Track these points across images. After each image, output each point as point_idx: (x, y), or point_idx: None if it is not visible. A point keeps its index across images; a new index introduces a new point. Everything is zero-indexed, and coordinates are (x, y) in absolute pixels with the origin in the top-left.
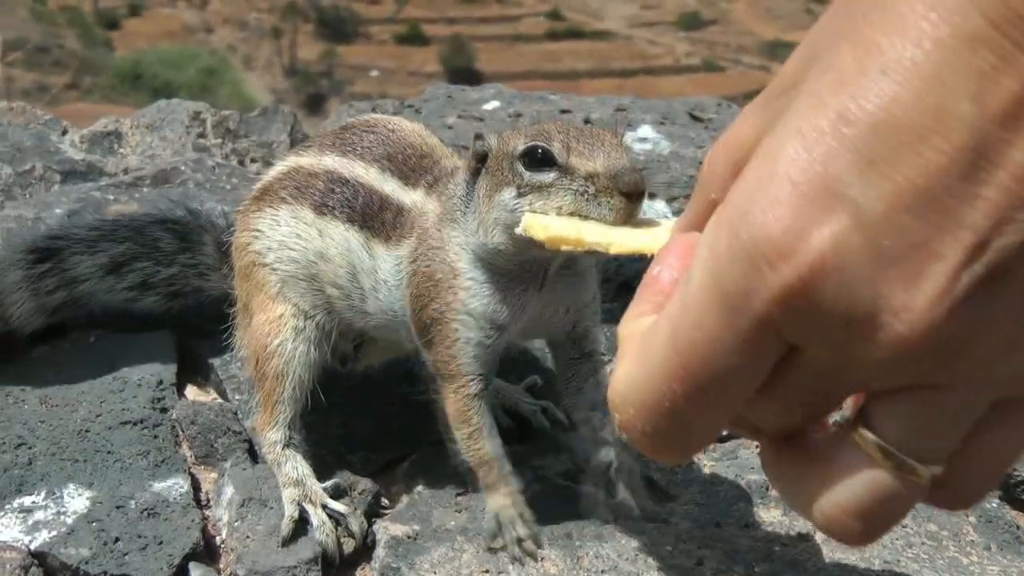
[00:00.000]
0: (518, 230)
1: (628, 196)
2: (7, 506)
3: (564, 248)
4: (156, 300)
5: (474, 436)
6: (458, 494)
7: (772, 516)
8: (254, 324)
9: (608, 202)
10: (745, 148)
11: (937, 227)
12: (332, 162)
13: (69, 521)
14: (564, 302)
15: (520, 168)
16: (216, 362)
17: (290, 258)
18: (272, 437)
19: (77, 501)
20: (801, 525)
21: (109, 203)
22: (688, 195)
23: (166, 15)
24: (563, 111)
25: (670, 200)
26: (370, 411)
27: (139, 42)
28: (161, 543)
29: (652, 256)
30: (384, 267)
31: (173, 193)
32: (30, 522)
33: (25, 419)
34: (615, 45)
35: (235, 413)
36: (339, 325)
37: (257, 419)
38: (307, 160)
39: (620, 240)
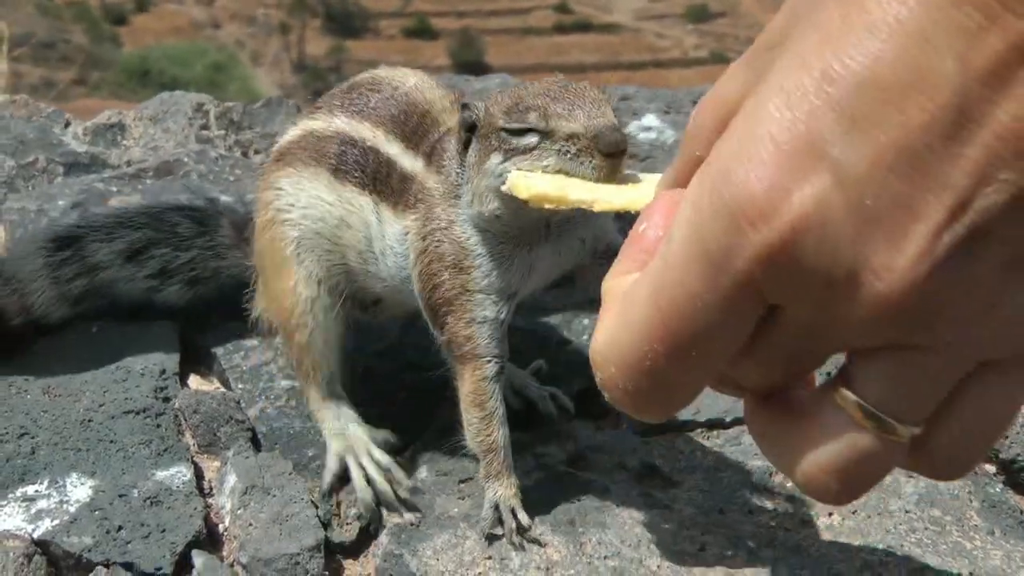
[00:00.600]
0: (503, 188)
1: (609, 155)
2: (10, 495)
3: (548, 206)
4: (178, 289)
5: (486, 421)
6: (461, 481)
7: (775, 502)
8: (270, 289)
9: (590, 162)
10: (731, 104)
11: (919, 186)
12: (342, 124)
13: (72, 510)
14: (579, 234)
15: (504, 136)
16: (219, 351)
17: (314, 217)
18: (315, 395)
19: (80, 490)
20: (804, 511)
21: (112, 195)
22: None
23: (173, 11)
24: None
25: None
26: (372, 400)
27: (146, 38)
28: (164, 531)
29: (637, 213)
30: (390, 232)
31: (180, 185)
32: (33, 511)
33: (28, 409)
34: (623, 38)
35: (238, 402)
36: (354, 288)
37: (301, 386)
38: (319, 124)
39: (605, 197)
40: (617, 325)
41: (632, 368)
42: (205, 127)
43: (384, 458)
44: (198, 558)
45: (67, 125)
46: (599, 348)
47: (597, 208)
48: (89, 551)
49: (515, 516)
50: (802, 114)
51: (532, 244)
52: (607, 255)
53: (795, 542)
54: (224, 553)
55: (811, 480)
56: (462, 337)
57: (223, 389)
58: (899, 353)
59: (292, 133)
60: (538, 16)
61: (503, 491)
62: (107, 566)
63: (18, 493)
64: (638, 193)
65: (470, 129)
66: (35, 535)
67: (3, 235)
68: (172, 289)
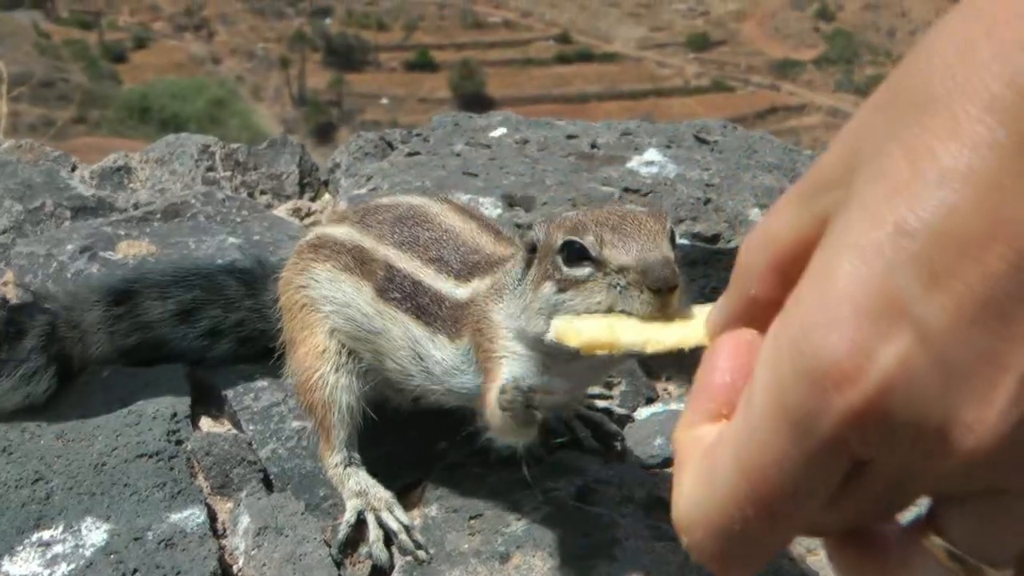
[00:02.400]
0: (549, 337)
1: (657, 292)
2: (26, 540)
3: (600, 352)
4: (228, 347)
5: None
6: (471, 518)
7: None
8: (298, 355)
9: (639, 296)
10: (782, 243)
11: (1003, 337)
12: (392, 254)
13: (87, 554)
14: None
15: (560, 262)
16: (230, 394)
17: (348, 318)
18: (332, 460)
19: (95, 534)
20: (808, 541)
21: (120, 238)
22: (695, 217)
23: (172, 47)
24: (569, 136)
25: (678, 223)
26: (383, 438)
27: (146, 74)
28: (179, 573)
29: (688, 350)
30: (453, 356)
31: (189, 227)
32: (48, 556)
33: (41, 454)
34: (625, 67)
35: (250, 443)
36: (394, 385)
37: (319, 446)
38: (368, 243)
39: (656, 337)
40: (701, 490)
41: (721, 533)
42: (211, 168)
43: (405, 518)
44: None
45: (73, 169)
46: (684, 511)
47: (649, 350)
48: None
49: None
50: (879, 270)
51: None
52: None
53: (800, 572)
54: None
55: None
56: (490, 381)
57: (235, 431)
58: (988, 497)
59: (335, 231)
60: (538, 47)
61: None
62: None
63: (34, 538)
64: (689, 330)
65: (532, 250)
66: None
67: (12, 279)
68: (223, 347)
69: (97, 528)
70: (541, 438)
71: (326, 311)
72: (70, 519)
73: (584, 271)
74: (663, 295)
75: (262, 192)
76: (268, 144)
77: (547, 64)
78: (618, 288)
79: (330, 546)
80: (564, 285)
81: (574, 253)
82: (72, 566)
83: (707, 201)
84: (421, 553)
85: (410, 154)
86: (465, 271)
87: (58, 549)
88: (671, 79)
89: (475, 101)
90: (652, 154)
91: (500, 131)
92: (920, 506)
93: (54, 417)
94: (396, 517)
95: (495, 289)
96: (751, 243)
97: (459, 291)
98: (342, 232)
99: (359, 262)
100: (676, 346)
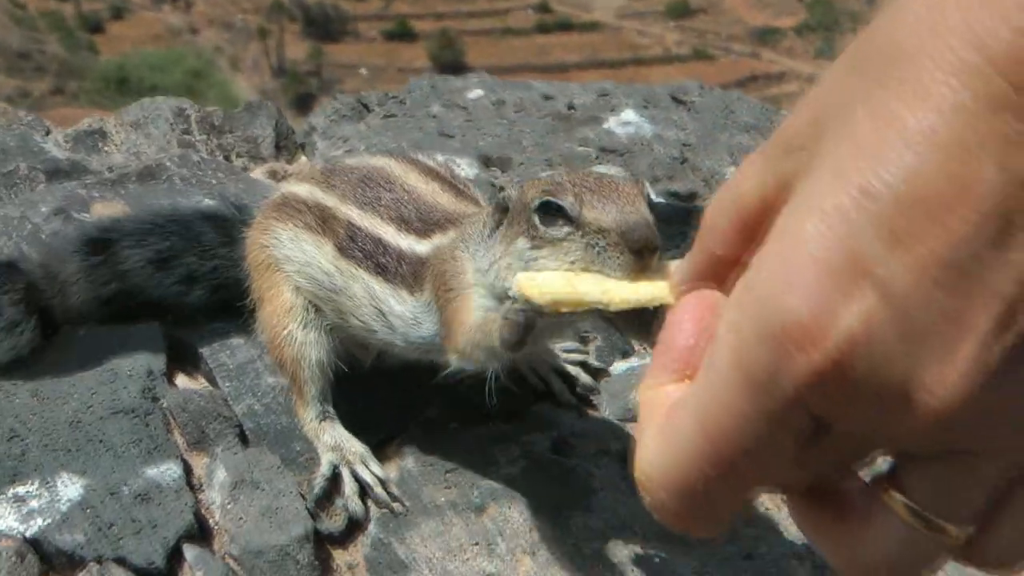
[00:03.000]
0: (511, 292)
1: (638, 253)
2: (1, 496)
3: (564, 310)
4: (202, 294)
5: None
6: (447, 471)
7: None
8: (265, 313)
9: (617, 258)
10: (748, 202)
11: (966, 297)
12: (354, 214)
13: (63, 508)
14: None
15: (536, 221)
16: (205, 351)
17: (310, 277)
18: (307, 415)
19: (70, 489)
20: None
21: (95, 200)
22: (671, 176)
23: (150, 18)
24: (546, 97)
25: (654, 182)
26: (358, 393)
27: (123, 45)
28: (155, 526)
29: (653, 308)
30: (415, 309)
31: (164, 190)
32: (24, 510)
33: (17, 412)
34: (604, 36)
35: (225, 399)
36: (358, 341)
37: (293, 402)
38: (330, 201)
39: (619, 295)
40: (663, 451)
41: (683, 492)
42: (187, 132)
43: (380, 471)
44: (190, 552)
45: (47, 133)
46: (647, 472)
47: (613, 308)
48: (81, 548)
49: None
50: (842, 232)
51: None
52: None
53: (775, 520)
54: (215, 546)
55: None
56: (465, 326)
57: (210, 387)
58: (950, 458)
59: (299, 189)
60: (518, 16)
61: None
62: (100, 562)
63: (9, 493)
64: (652, 289)
65: (504, 211)
66: (27, 534)
67: None
68: (197, 294)
69: (73, 483)
70: (519, 391)
71: (288, 271)
72: (45, 474)
73: (562, 231)
74: (643, 257)
75: (238, 155)
76: (244, 108)
77: (527, 33)
78: (596, 249)
79: (306, 499)
80: (539, 243)
81: (552, 213)
82: (48, 520)
83: (684, 160)
84: (397, 506)
85: (386, 116)
86: (425, 228)
87: (34, 504)
88: (651, 48)
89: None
90: (629, 115)
91: (476, 93)
92: (883, 462)
93: (29, 375)
94: (371, 470)
95: (461, 240)
96: (717, 202)
97: (419, 247)
98: (305, 191)
99: (321, 220)
100: (640, 304)
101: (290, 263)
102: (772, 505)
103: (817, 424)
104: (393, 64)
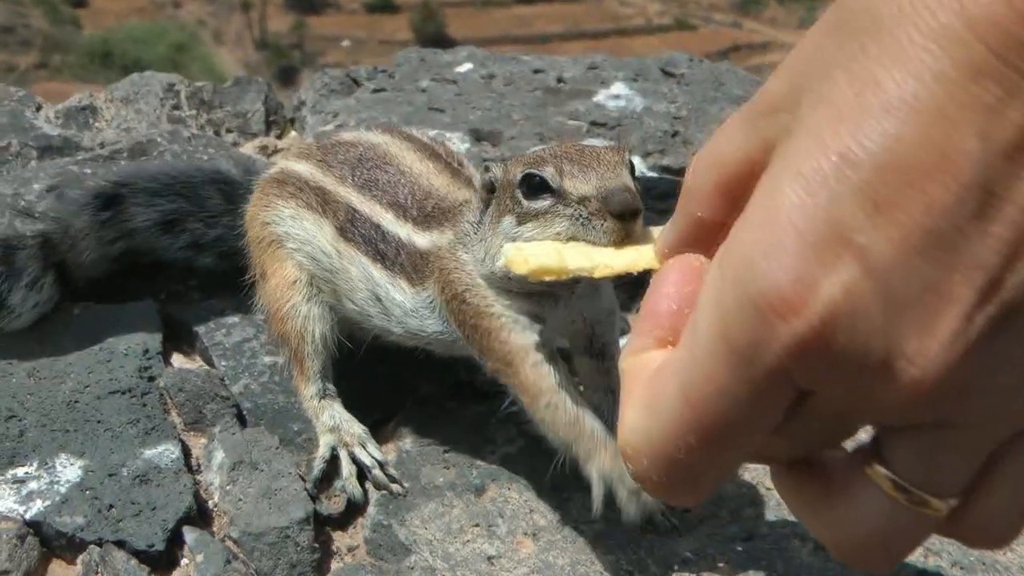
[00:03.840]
0: (499, 263)
1: (620, 217)
2: (0, 477)
3: (548, 278)
4: (209, 261)
5: (553, 404)
6: (445, 451)
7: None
8: (268, 287)
9: (601, 225)
10: (730, 165)
11: (948, 268)
12: (353, 198)
13: (62, 490)
14: (581, 313)
15: (519, 196)
16: (201, 330)
17: (310, 256)
18: (308, 392)
19: (69, 470)
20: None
21: (88, 177)
22: (662, 150)
23: None
24: (536, 71)
25: (645, 156)
26: (355, 372)
27: (107, 19)
28: (155, 508)
29: (638, 274)
30: (414, 302)
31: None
32: (24, 492)
33: (14, 392)
34: (586, 7)
35: (222, 379)
36: (354, 323)
37: (293, 378)
38: (329, 183)
39: (604, 261)
40: (647, 419)
41: (666, 461)
42: (177, 107)
43: (378, 454)
44: (190, 534)
45: (39, 109)
46: (630, 442)
47: (597, 274)
48: (81, 530)
49: (624, 484)
50: (823, 200)
51: (543, 304)
52: (608, 372)
53: (776, 501)
54: (215, 528)
55: (845, 550)
56: (500, 347)
57: (207, 367)
58: (931, 429)
59: (298, 167)
60: None
61: (608, 463)
62: (100, 544)
63: (8, 475)
64: (637, 255)
65: (490, 190)
66: (27, 516)
67: None
68: (205, 260)
69: (71, 464)
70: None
71: (290, 248)
72: (44, 456)
73: (544, 203)
74: (626, 221)
75: (228, 130)
76: (234, 83)
77: (508, 5)
78: (580, 219)
79: (305, 480)
80: (524, 218)
81: (534, 185)
82: (47, 502)
83: (674, 134)
84: (396, 487)
85: (376, 90)
86: (422, 218)
87: (33, 485)
88: (633, 18)
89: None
90: (619, 88)
91: (466, 67)
92: (866, 436)
93: (25, 355)
94: (369, 452)
95: (459, 239)
96: (698, 164)
97: (419, 239)
98: (304, 170)
99: (321, 201)
100: (625, 270)
101: (292, 240)
102: (772, 486)
103: (799, 394)
104: (375, 36)
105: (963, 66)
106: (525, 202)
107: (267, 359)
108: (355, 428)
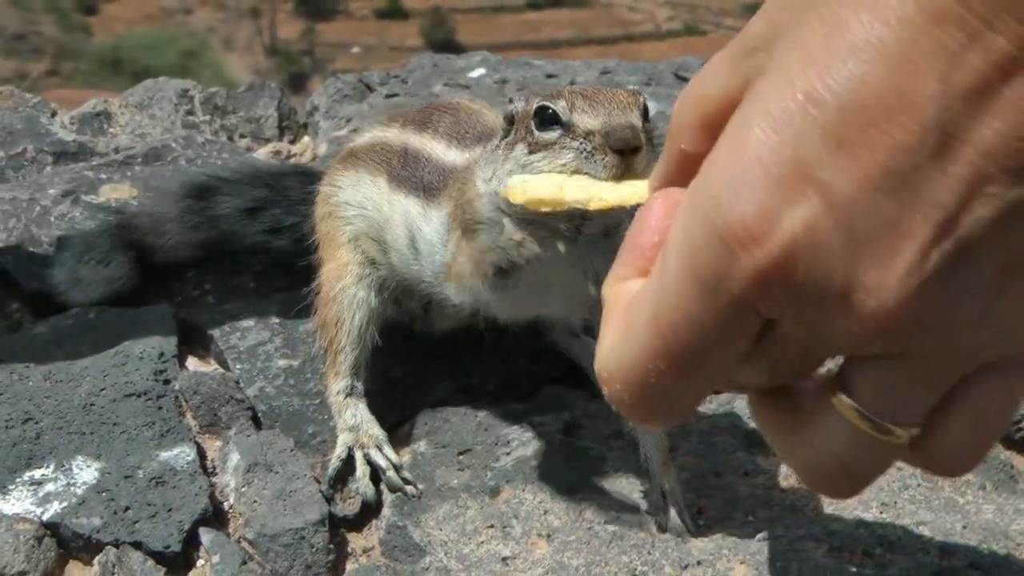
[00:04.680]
0: (499, 191)
1: (620, 153)
2: (18, 479)
3: (544, 209)
4: (285, 243)
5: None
6: (460, 453)
7: (770, 464)
8: (323, 272)
9: (602, 159)
10: (712, 101)
11: (907, 205)
12: (410, 138)
13: (79, 492)
14: (594, 271)
15: (532, 126)
16: (216, 333)
17: (363, 217)
18: (335, 387)
19: (86, 472)
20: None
21: (102, 182)
22: None
23: None
24: (549, 76)
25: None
26: (371, 376)
27: (117, 26)
28: (170, 510)
29: (632, 208)
30: (434, 228)
31: (171, 170)
32: (41, 494)
33: (30, 395)
34: (596, 12)
35: (237, 382)
36: (403, 284)
37: (325, 371)
38: (391, 134)
39: (600, 195)
40: (620, 344)
41: (637, 385)
42: (191, 113)
43: (393, 456)
44: (206, 536)
45: (54, 115)
46: (604, 365)
47: (592, 207)
48: (98, 532)
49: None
50: (788, 137)
51: (555, 237)
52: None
53: (790, 502)
54: (230, 530)
55: (812, 476)
56: (462, 236)
57: (221, 370)
58: (893, 361)
59: (365, 137)
60: None
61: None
62: (116, 546)
63: (25, 477)
64: (632, 189)
65: (511, 122)
66: (44, 518)
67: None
68: (280, 243)
69: (88, 467)
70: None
71: (347, 215)
72: (61, 458)
73: (553, 134)
74: (625, 156)
75: (241, 135)
76: (247, 88)
77: (518, 10)
78: (584, 152)
79: (320, 482)
80: (534, 148)
81: (546, 117)
82: (64, 504)
83: None
84: (410, 488)
85: (389, 96)
86: (469, 141)
87: (50, 487)
88: (642, 24)
89: (447, 48)
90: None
91: (478, 72)
92: (833, 366)
93: (42, 358)
94: (385, 455)
95: (476, 161)
96: (683, 99)
97: (458, 159)
98: (368, 136)
99: (381, 157)
100: (619, 203)
101: (348, 208)
102: (788, 486)
103: (767, 323)
104: (385, 42)
105: (927, 11)
106: (536, 132)
107: (282, 362)
108: (374, 430)
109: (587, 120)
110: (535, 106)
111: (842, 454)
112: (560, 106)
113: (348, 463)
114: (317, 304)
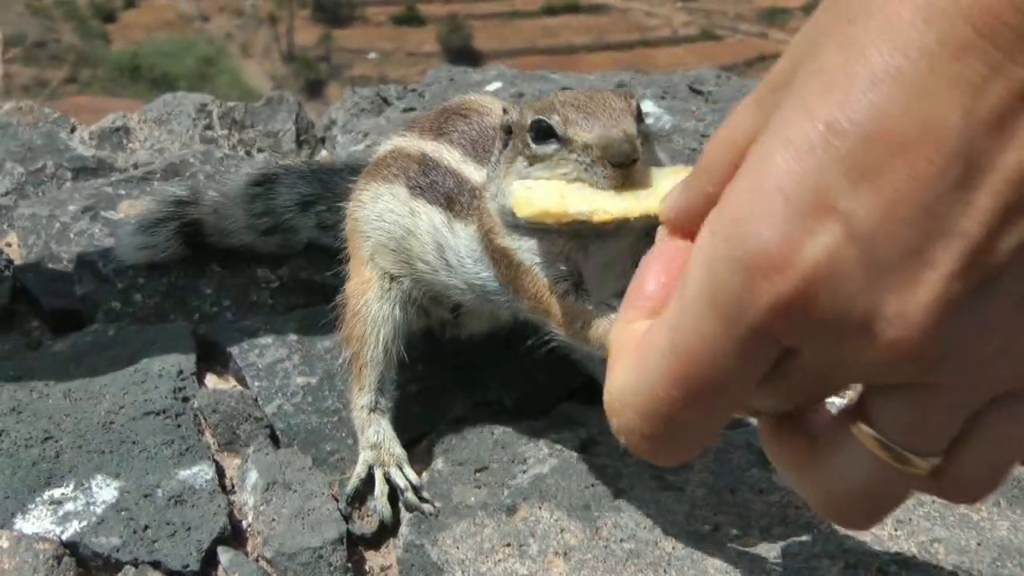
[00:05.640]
0: (508, 203)
1: (619, 166)
2: (37, 498)
3: (549, 221)
4: (331, 242)
5: (587, 325)
6: (477, 471)
7: (785, 481)
8: (348, 287)
9: (602, 172)
10: (740, 144)
11: (930, 235)
12: (427, 146)
13: (99, 511)
14: (630, 256)
15: (529, 140)
16: (234, 351)
17: (383, 229)
18: (359, 402)
19: (105, 491)
20: None
21: (122, 198)
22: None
23: (162, 6)
24: (564, 89)
25: None
26: (390, 392)
27: (136, 34)
28: (189, 529)
29: (633, 219)
30: (463, 243)
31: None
32: (60, 513)
33: (50, 413)
34: (612, 18)
35: (255, 399)
36: (430, 294)
37: (349, 386)
38: (408, 142)
39: (604, 206)
40: (634, 370)
41: (650, 413)
42: (209, 127)
43: (413, 477)
44: (224, 554)
45: (73, 130)
46: (616, 395)
47: (596, 219)
48: (117, 551)
49: None
50: (810, 167)
51: (570, 244)
52: None
53: (805, 519)
54: (249, 549)
55: (829, 507)
56: (529, 284)
57: (240, 387)
58: (915, 390)
59: (384, 148)
60: None
61: None
62: (136, 565)
63: (45, 496)
64: (635, 201)
65: (508, 132)
66: (63, 537)
67: (16, 241)
68: (326, 241)
69: (107, 485)
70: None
71: (367, 230)
72: (80, 477)
73: (550, 148)
74: (625, 169)
75: (259, 150)
76: (265, 102)
77: (534, 16)
78: (583, 165)
79: (338, 500)
80: (533, 160)
81: (542, 131)
82: (83, 523)
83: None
84: (427, 507)
85: (406, 109)
86: (484, 154)
87: (69, 507)
88: (659, 29)
89: (463, 54)
90: (647, 105)
91: (495, 85)
92: (853, 394)
93: (61, 375)
94: (404, 475)
95: (488, 176)
96: (713, 144)
97: (476, 175)
98: (386, 147)
99: (398, 166)
100: (623, 215)
101: (368, 223)
102: (802, 504)
103: (785, 350)
104: (402, 48)
105: (948, 43)
106: (534, 146)
107: (300, 380)
108: (396, 449)
109: (583, 134)
110: (530, 120)
111: (861, 484)
112: (555, 120)
113: (367, 482)
114: (342, 318)
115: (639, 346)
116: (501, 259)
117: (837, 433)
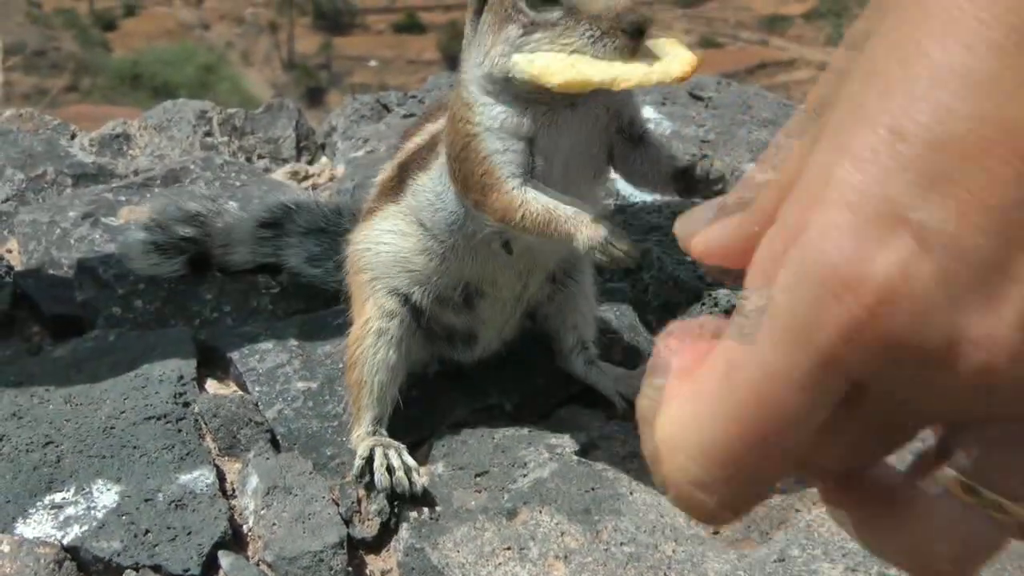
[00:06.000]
0: (515, 73)
1: (631, 34)
2: (38, 503)
3: (573, 91)
4: (325, 272)
5: (524, 210)
6: (477, 475)
7: (785, 483)
8: (350, 332)
9: (612, 43)
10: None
11: (1012, 245)
12: (414, 141)
13: (99, 515)
14: (601, 101)
15: (523, 5)
16: (235, 356)
17: (377, 252)
18: (358, 433)
19: (106, 496)
20: (814, 491)
21: (122, 204)
22: None
23: (162, 14)
24: None
25: None
26: None
27: (136, 42)
28: (190, 533)
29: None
30: (434, 185)
31: (189, 192)
32: (61, 518)
33: (51, 418)
34: None
35: (256, 405)
36: (434, 293)
37: (350, 423)
38: (388, 166)
39: (624, 75)
40: (685, 409)
41: (704, 456)
42: (209, 134)
43: (411, 461)
44: (225, 559)
45: (73, 136)
46: (665, 434)
47: (617, 88)
48: (118, 555)
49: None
50: (875, 176)
51: (552, 106)
52: (632, 130)
53: (806, 522)
54: (249, 553)
55: (917, 566)
56: (480, 176)
57: (240, 392)
58: (1003, 426)
59: (375, 184)
60: None
61: (592, 232)
62: (136, 569)
63: (46, 501)
64: (651, 68)
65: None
66: (64, 541)
67: (16, 247)
68: (334, 281)
69: (108, 490)
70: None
71: (366, 261)
72: (81, 481)
73: (554, 14)
74: (637, 39)
75: (259, 156)
76: (265, 108)
77: None
78: (592, 36)
79: (339, 504)
80: (531, 28)
81: None
82: (84, 527)
83: (703, 157)
84: (417, 483)
85: (406, 116)
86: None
87: (70, 511)
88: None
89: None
90: (647, 112)
91: None
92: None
93: (62, 381)
94: (402, 458)
95: (464, 48)
96: (770, 187)
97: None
98: (379, 176)
99: (384, 188)
100: (642, 83)
101: (367, 251)
102: (803, 507)
103: (855, 387)
104: (402, 56)
105: (1017, 34)
106: (531, 12)
107: (300, 384)
108: (395, 442)
109: (591, 4)
110: None
111: (949, 541)
112: None
113: (370, 461)
114: (345, 363)
115: (693, 380)
116: (459, 153)
117: (915, 483)
